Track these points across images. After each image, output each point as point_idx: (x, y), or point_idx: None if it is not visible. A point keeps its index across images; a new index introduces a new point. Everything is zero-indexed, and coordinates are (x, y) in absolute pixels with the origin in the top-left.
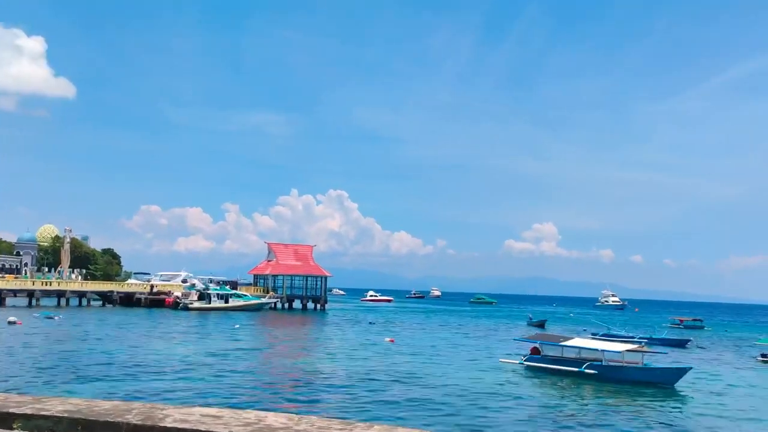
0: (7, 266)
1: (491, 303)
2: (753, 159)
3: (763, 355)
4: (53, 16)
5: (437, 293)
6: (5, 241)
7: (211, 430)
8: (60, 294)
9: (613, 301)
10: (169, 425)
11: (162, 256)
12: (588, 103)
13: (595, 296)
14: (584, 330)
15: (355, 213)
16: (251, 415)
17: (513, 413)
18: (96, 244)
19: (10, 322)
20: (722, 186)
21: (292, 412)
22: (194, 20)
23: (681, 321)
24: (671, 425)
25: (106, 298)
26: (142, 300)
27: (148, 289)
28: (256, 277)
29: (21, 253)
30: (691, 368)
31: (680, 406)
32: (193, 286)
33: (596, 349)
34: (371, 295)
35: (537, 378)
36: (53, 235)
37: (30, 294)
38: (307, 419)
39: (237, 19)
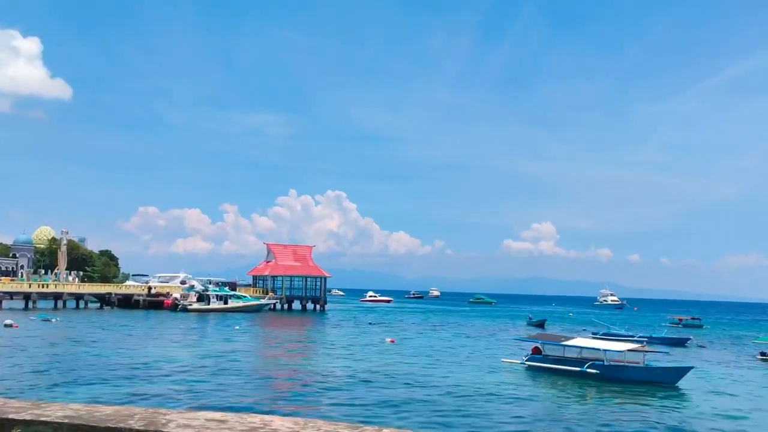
0: (3, 268)
1: (490, 303)
2: (749, 159)
3: (762, 354)
4: (49, 17)
5: (436, 293)
6: (1, 243)
7: None
8: (57, 296)
9: (611, 301)
10: (172, 431)
11: (160, 258)
12: (586, 103)
13: (593, 295)
14: (584, 329)
15: (353, 213)
16: (256, 419)
17: (516, 413)
18: (93, 245)
19: (6, 325)
20: (719, 186)
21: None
22: (191, 21)
23: (680, 320)
24: (674, 425)
25: (103, 300)
26: (141, 302)
27: (146, 290)
28: (255, 278)
29: (17, 256)
30: (692, 367)
31: (682, 405)
32: (192, 287)
33: (598, 349)
34: (370, 296)
35: (539, 378)
36: (50, 237)
37: (27, 296)
38: (313, 423)
39: (234, 19)
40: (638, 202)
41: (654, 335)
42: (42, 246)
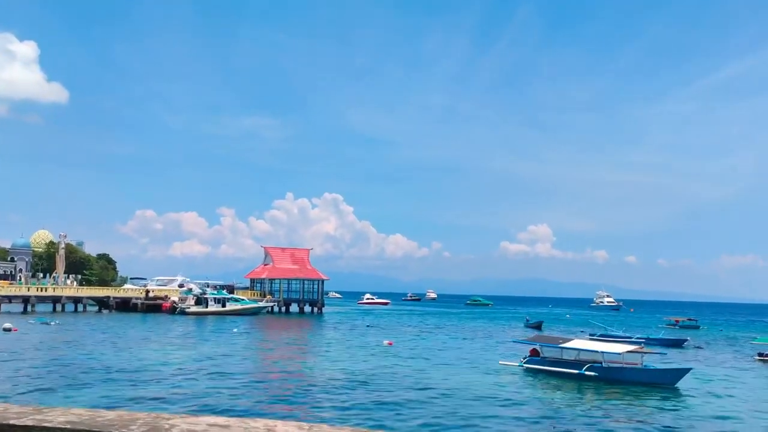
0: (1, 272)
1: (487, 305)
2: (744, 159)
3: (760, 354)
4: (46, 21)
5: (433, 296)
6: None
7: None
8: (55, 300)
9: (608, 302)
10: None
11: (157, 261)
12: (581, 105)
13: (590, 297)
14: (582, 331)
15: (350, 216)
16: (260, 424)
17: (514, 416)
18: (91, 249)
19: (5, 329)
20: (714, 186)
21: (293, 415)
22: (188, 24)
23: (676, 321)
24: (674, 426)
25: (102, 303)
26: (139, 305)
27: (144, 294)
28: (252, 281)
29: (15, 259)
30: (691, 369)
31: (682, 407)
32: (190, 290)
33: (596, 351)
34: (368, 298)
35: (537, 380)
36: (47, 241)
37: (25, 300)
38: (318, 427)
39: (230, 23)
40: (634, 204)
41: (651, 336)
42: (40, 250)
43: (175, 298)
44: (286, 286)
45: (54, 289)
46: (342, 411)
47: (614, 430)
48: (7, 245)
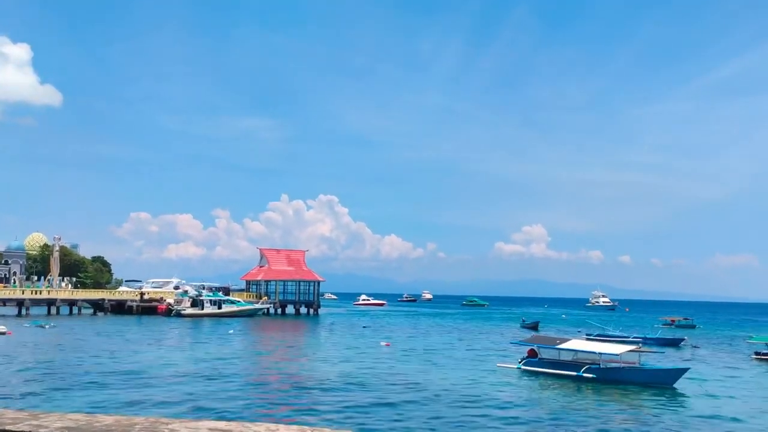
0: None
1: (483, 305)
2: (738, 159)
3: (756, 353)
4: (39, 24)
5: (429, 296)
6: None
7: None
8: (50, 302)
9: (603, 302)
10: None
11: (152, 263)
12: (576, 105)
13: (585, 297)
14: (578, 331)
15: (345, 218)
16: (262, 428)
17: (513, 417)
18: (85, 251)
19: None
20: (708, 186)
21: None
22: (182, 25)
23: (672, 321)
24: (673, 426)
25: (97, 306)
26: (134, 307)
27: (139, 296)
28: (248, 282)
29: (9, 262)
30: (689, 368)
31: (681, 406)
32: (185, 292)
33: (593, 352)
34: (364, 300)
35: (535, 381)
36: (42, 244)
37: (20, 303)
38: (320, 431)
39: (225, 24)
40: (629, 204)
41: (648, 336)
42: (34, 252)
43: (171, 300)
44: (281, 287)
45: (48, 291)
46: (340, 412)
47: (613, 430)
48: (2, 248)
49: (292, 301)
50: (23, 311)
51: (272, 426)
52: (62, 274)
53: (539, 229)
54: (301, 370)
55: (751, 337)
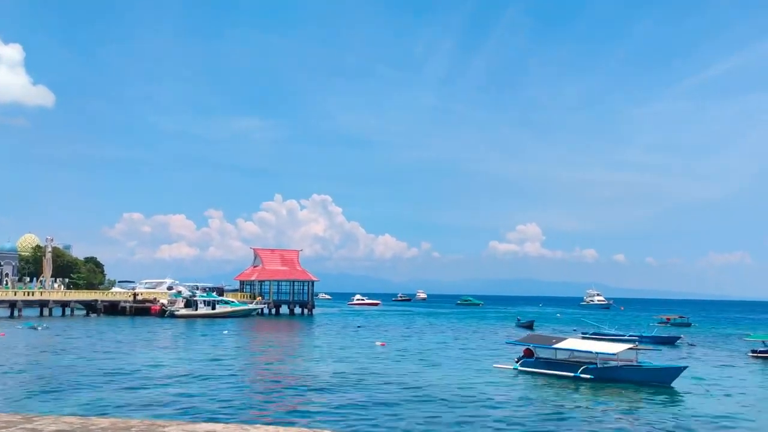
0: None
1: (478, 304)
2: (732, 158)
3: (753, 351)
4: (31, 24)
5: (423, 296)
6: None
7: None
8: (43, 304)
9: (598, 301)
10: None
11: (145, 264)
12: (570, 104)
13: (579, 296)
14: (574, 330)
15: (339, 217)
16: (260, 430)
17: (510, 417)
18: (78, 252)
19: None
20: (702, 184)
21: (288, 415)
22: (175, 26)
23: (667, 319)
24: (672, 426)
25: (90, 307)
26: (127, 308)
27: (132, 297)
28: (242, 282)
29: (2, 264)
30: (687, 367)
31: (679, 406)
32: (179, 293)
33: (590, 351)
34: (358, 299)
35: (532, 381)
36: (34, 245)
37: (12, 305)
38: None
39: (218, 24)
40: (623, 203)
41: (644, 334)
42: (27, 254)
43: (165, 301)
44: (275, 287)
45: (41, 293)
46: (336, 413)
47: (611, 430)
48: None
49: (287, 302)
50: (16, 313)
51: (271, 429)
52: (55, 276)
53: (533, 228)
54: (296, 371)
55: (748, 335)
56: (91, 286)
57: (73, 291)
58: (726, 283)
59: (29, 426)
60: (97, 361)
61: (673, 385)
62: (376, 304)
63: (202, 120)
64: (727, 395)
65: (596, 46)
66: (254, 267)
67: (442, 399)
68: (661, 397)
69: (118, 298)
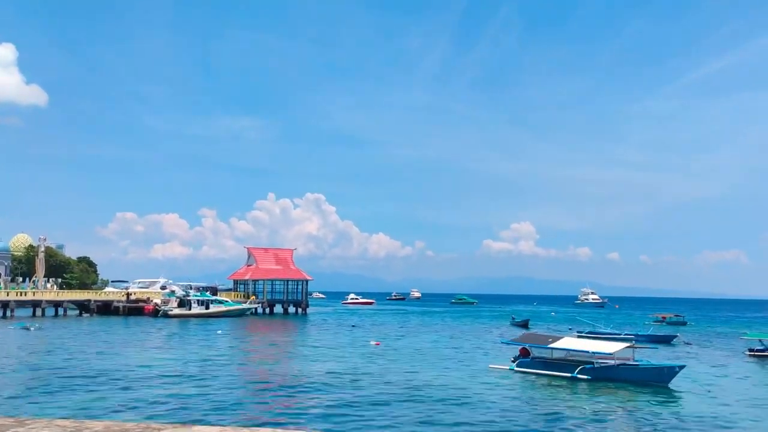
0: None
1: (472, 303)
2: (726, 156)
3: (750, 350)
4: (24, 23)
5: (417, 295)
6: None
7: None
8: (35, 304)
9: (592, 299)
10: None
11: (138, 263)
12: (564, 103)
13: (574, 294)
14: (569, 328)
15: (332, 216)
16: None
17: (507, 418)
18: (71, 252)
19: None
20: (697, 183)
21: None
22: (167, 25)
23: (663, 318)
24: (671, 425)
25: (83, 307)
26: (120, 308)
27: (125, 297)
28: (236, 282)
29: None
30: (684, 366)
31: (678, 405)
32: (172, 292)
33: (587, 351)
34: (352, 298)
35: (528, 381)
36: (27, 244)
37: (4, 305)
38: None
39: (211, 24)
40: (617, 201)
41: (640, 333)
42: (19, 253)
43: (158, 301)
44: (269, 287)
45: (34, 293)
46: (330, 413)
47: (610, 430)
48: None
49: (280, 301)
50: (8, 313)
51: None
52: (47, 275)
53: (527, 226)
54: (291, 371)
55: (744, 334)
56: (84, 286)
57: (66, 291)
58: (721, 282)
59: (21, 429)
60: (90, 361)
61: (670, 384)
62: (370, 303)
63: (195, 119)
64: (725, 394)
65: (590, 45)
66: (248, 266)
67: (438, 399)
68: (659, 397)
69: (111, 297)
